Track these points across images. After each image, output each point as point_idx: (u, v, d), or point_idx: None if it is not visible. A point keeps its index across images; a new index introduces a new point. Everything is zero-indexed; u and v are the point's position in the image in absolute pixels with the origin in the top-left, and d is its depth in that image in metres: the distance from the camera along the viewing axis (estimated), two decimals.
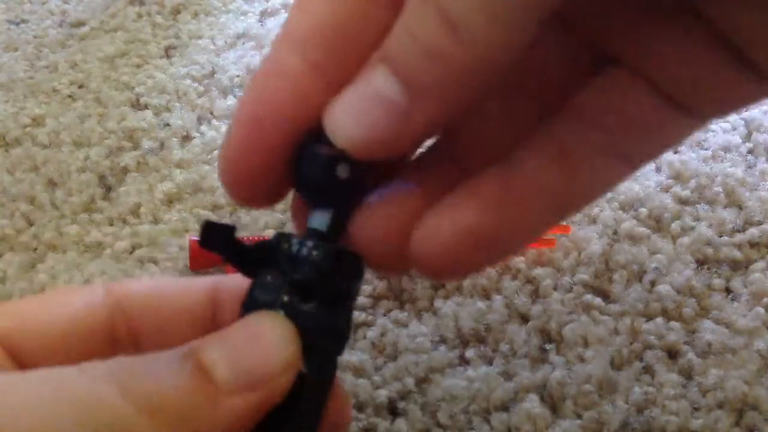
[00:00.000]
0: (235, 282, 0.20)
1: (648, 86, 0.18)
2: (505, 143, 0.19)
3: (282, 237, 0.19)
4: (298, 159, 0.19)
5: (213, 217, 0.36)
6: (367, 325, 0.32)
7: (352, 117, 0.17)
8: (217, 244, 0.19)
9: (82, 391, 0.16)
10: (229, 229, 0.19)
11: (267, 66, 0.18)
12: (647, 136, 0.19)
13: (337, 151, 0.18)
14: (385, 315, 0.32)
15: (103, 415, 0.16)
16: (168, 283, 0.22)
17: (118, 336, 0.21)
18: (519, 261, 0.33)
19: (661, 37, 0.17)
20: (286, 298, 0.18)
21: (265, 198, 0.20)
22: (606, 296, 0.32)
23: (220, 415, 0.17)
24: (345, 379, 0.30)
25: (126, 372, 0.17)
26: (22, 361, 0.19)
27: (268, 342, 0.18)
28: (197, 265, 0.33)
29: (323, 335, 0.19)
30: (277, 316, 0.18)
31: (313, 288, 0.18)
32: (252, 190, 0.19)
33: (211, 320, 0.21)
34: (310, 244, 0.19)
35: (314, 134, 0.18)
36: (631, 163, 0.20)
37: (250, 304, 0.19)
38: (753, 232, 0.34)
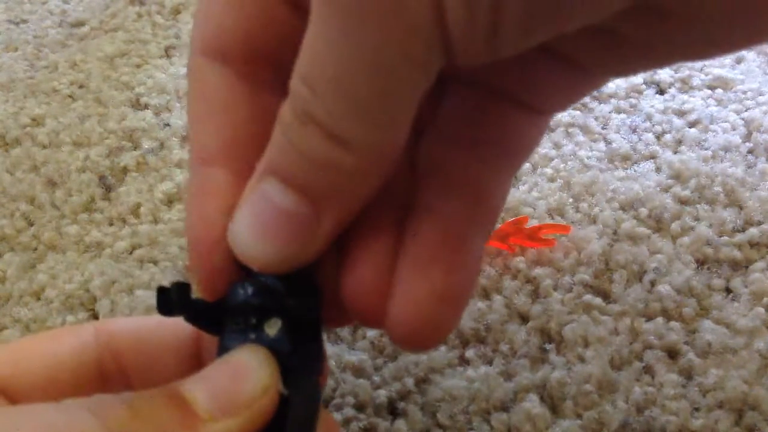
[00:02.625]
0: None
1: (494, 95, 0.20)
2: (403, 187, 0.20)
3: (236, 285, 0.19)
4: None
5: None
6: None
7: (257, 237, 0.18)
8: (174, 307, 0.19)
9: (59, 420, 0.16)
10: (183, 288, 0.19)
11: (194, 185, 0.19)
12: (508, 143, 0.21)
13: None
14: None
15: None
16: (155, 322, 0.22)
17: (108, 374, 0.21)
18: (519, 261, 0.33)
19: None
20: (253, 335, 0.19)
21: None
22: (606, 296, 0.32)
23: None
24: (345, 379, 0.30)
25: (105, 405, 0.17)
26: (16, 402, 0.20)
27: (243, 368, 0.18)
28: None
29: (296, 357, 0.19)
30: (250, 346, 0.19)
31: (272, 310, 0.19)
32: (219, 289, 0.20)
33: (196, 357, 0.22)
34: (261, 277, 0.19)
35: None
36: (506, 172, 0.21)
37: (222, 352, 0.19)
38: (753, 232, 0.34)
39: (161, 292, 0.19)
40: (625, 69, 0.20)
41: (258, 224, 0.18)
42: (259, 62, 0.19)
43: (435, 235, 0.19)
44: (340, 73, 0.15)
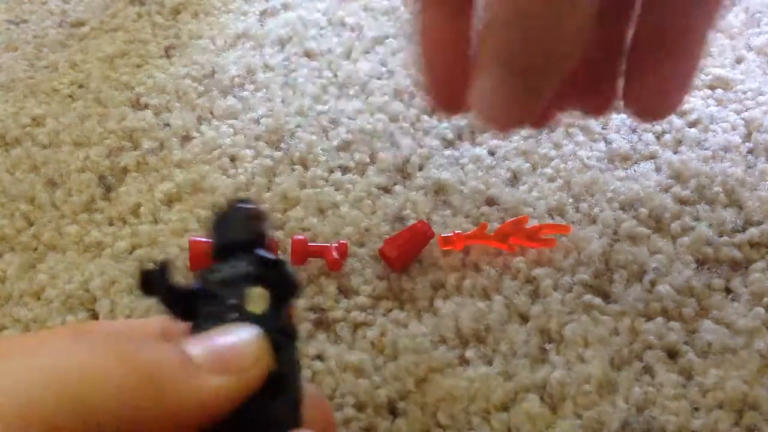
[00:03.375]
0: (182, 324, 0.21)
1: None
2: None
3: (216, 265, 0.21)
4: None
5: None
6: (367, 325, 0.32)
7: (488, 107, 0.23)
8: (155, 288, 0.20)
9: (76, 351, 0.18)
10: (164, 270, 0.20)
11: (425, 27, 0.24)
12: None
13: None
14: (385, 315, 0.32)
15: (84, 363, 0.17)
16: (126, 321, 0.23)
17: None
18: (519, 261, 0.33)
19: None
20: (235, 314, 0.20)
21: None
22: (606, 296, 0.32)
23: (195, 387, 0.18)
24: (345, 378, 0.30)
25: (117, 338, 0.19)
26: None
27: (240, 337, 0.19)
28: (197, 266, 0.33)
29: (279, 332, 0.20)
30: (243, 323, 0.20)
31: (260, 279, 0.20)
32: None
33: None
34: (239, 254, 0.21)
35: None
36: None
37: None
38: (753, 232, 0.34)
39: (144, 273, 0.20)
40: None
41: (489, 99, 0.23)
42: None
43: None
44: None
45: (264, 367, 0.19)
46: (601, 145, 0.39)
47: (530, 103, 0.23)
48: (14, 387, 0.16)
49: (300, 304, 0.32)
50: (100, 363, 0.17)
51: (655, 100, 0.24)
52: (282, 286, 0.21)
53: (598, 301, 0.32)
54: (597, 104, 0.27)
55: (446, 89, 0.26)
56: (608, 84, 0.25)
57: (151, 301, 0.32)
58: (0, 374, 0.16)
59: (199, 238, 0.34)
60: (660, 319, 0.31)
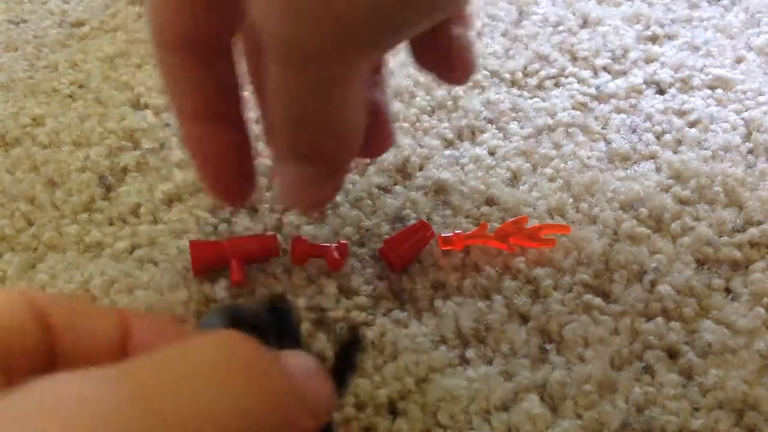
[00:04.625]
0: (142, 317, 0.21)
1: None
2: None
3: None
4: None
5: (212, 219, 0.36)
6: (367, 325, 0.32)
7: (294, 196, 0.28)
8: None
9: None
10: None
11: (191, 136, 0.29)
12: None
13: None
14: (385, 315, 0.32)
15: None
16: (84, 305, 0.22)
17: (35, 348, 0.20)
18: (519, 261, 0.33)
19: None
20: None
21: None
22: (606, 296, 0.32)
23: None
24: None
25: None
26: None
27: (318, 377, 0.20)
28: (198, 269, 0.33)
29: None
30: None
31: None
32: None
33: (121, 348, 0.21)
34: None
35: None
36: None
37: None
38: (753, 232, 0.34)
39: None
40: None
41: (284, 188, 0.26)
42: (207, 45, 0.26)
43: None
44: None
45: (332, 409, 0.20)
46: (601, 145, 0.39)
47: (334, 182, 0.26)
48: None
49: (300, 304, 0.32)
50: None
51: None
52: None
53: (598, 301, 0.32)
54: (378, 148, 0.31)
55: (223, 189, 0.29)
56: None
57: (151, 301, 0.32)
58: None
59: (199, 242, 0.34)
60: (660, 319, 0.31)
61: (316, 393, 0.19)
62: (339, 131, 0.24)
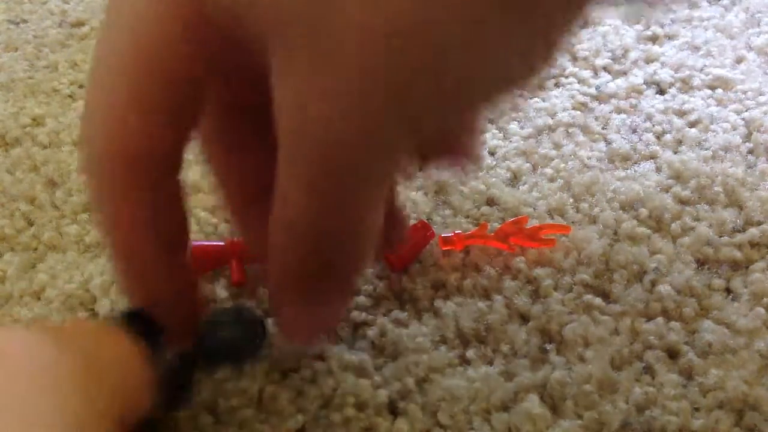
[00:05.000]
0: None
1: None
2: None
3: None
4: None
5: (212, 219, 0.36)
6: (367, 324, 0.32)
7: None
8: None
9: None
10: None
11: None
12: None
13: None
14: (385, 315, 0.32)
15: None
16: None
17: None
18: (519, 261, 0.33)
19: None
20: None
21: None
22: (606, 296, 0.32)
23: None
24: (345, 378, 0.30)
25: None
26: None
27: None
28: (198, 269, 0.33)
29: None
30: None
31: None
32: None
33: None
34: None
35: None
36: None
37: None
38: (753, 232, 0.34)
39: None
40: None
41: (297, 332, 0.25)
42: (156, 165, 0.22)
43: None
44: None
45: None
46: (602, 145, 0.39)
47: (345, 302, 0.24)
48: None
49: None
50: None
51: None
52: None
53: (598, 301, 0.32)
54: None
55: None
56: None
57: None
58: None
59: (199, 242, 0.34)
60: (660, 319, 0.31)
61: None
62: (362, 240, 0.21)
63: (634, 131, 0.40)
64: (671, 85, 0.42)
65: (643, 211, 0.35)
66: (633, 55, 0.44)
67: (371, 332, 0.31)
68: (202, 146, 0.24)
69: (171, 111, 0.20)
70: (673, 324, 0.31)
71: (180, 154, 0.22)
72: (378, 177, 0.19)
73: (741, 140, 0.38)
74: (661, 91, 0.42)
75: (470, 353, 0.31)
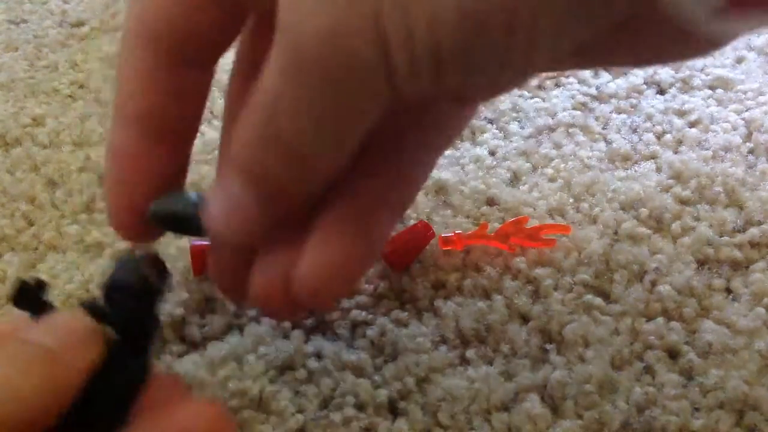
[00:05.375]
0: None
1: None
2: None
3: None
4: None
5: None
6: (368, 324, 0.32)
7: (222, 218, 0.22)
8: (27, 304, 0.23)
9: None
10: (37, 289, 0.23)
11: (114, 144, 0.24)
12: (431, 129, 0.25)
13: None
14: (385, 315, 0.32)
15: None
16: None
17: None
18: (519, 261, 0.33)
19: None
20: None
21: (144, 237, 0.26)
22: (606, 296, 0.32)
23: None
24: (345, 378, 0.30)
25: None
26: None
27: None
28: (198, 269, 0.33)
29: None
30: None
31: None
32: (133, 233, 0.25)
33: None
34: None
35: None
36: (427, 154, 0.25)
37: None
38: (753, 232, 0.34)
39: (20, 287, 0.23)
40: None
41: (225, 210, 0.22)
42: (190, 48, 0.23)
43: (346, 209, 0.23)
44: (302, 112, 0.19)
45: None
46: (602, 145, 0.39)
47: (274, 211, 0.22)
48: None
49: None
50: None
51: None
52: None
53: (598, 301, 0.32)
54: None
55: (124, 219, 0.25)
56: None
57: None
58: None
59: (199, 242, 0.34)
60: (660, 320, 0.31)
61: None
62: (320, 165, 0.20)
63: (635, 131, 0.40)
64: (671, 85, 0.42)
65: (644, 211, 0.35)
66: None
67: (371, 332, 0.31)
68: (229, 77, 0.25)
69: None
70: (674, 324, 0.31)
71: (208, 46, 0.23)
72: (353, 106, 0.18)
73: (741, 140, 0.38)
74: (662, 91, 0.42)
75: (470, 353, 0.31)
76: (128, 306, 0.23)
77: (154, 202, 0.24)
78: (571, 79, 0.43)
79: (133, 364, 0.22)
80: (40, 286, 0.23)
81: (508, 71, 0.18)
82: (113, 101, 0.24)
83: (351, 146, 0.20)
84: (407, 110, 0.23)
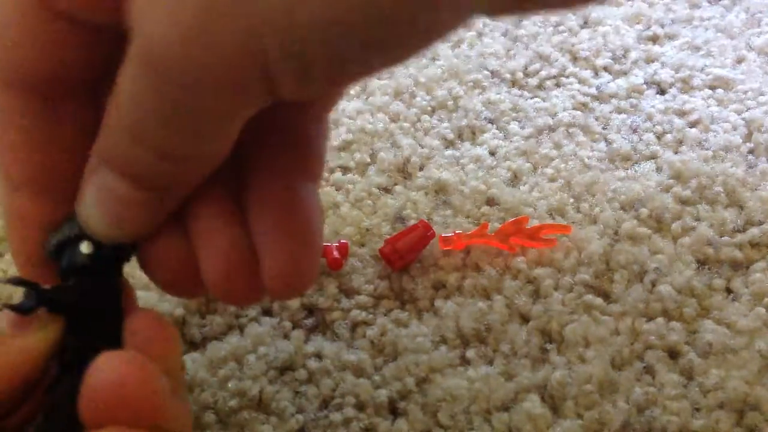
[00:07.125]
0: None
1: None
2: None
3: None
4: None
5: None
6: (368, 324, 0.32)
7: (99, 215, 0.21)
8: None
9: None
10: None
11: (7, 209, 0.23)
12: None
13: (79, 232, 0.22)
14: (385, 315, 0.32)
15: None
16: None
17: None
18: (519, 261, 0.33)
19: None
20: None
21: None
22: (607, 296, 0.32)
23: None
24: (345, 378, 0.30)
25: None
26: None
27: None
28: None
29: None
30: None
31: None
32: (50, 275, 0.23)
33: None
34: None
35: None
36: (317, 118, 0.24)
37: None
38: (754, 232, 0.34)
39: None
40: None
41: (98, 205, 0.21)
42: (58, 85, 0.21)
43: (266, 183, 0.22)
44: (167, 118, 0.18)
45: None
46: (602, 145, 0.39)
47: (155, 207, 0.21)
48: None
49: (300, 303, 0.32)
50: None
51: None
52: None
53: (598, 301, 0.32)
54: None
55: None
56: None
57: (152, 302, 0.32)
58: None
59: None
60: (661, 320, 0.31)
61: None
62: (192, 161, 0.19)
63: (635, 131, 0.40)
64: (672, 85, 0.42)
65: (644, 211, 0.35)
66: (633, 55, 0.44)
67: (371, 332, 0.31)
68: None
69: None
70: (674, 324, 0.31)
71: (67, 83, 0.21)
72: (218, 110, 0.18)
73: (741, 140, 0.38)
74: (662, 91, 0.42)
75: (470, 353, 0.31)
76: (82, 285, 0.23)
77: (49, 235, 0.23)
78: (571, 79, 0.43)
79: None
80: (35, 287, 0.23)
81: (378, 58, 0.17)
82: None
83: (228, 140, 0.19)
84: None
